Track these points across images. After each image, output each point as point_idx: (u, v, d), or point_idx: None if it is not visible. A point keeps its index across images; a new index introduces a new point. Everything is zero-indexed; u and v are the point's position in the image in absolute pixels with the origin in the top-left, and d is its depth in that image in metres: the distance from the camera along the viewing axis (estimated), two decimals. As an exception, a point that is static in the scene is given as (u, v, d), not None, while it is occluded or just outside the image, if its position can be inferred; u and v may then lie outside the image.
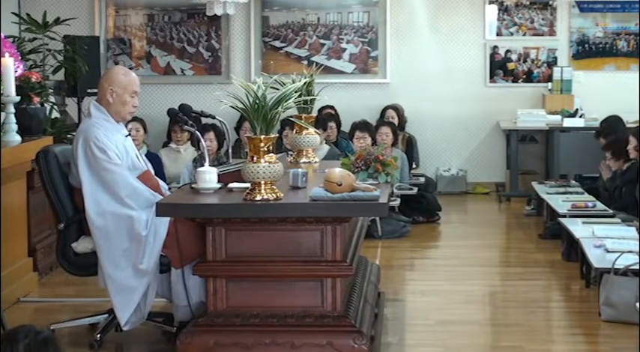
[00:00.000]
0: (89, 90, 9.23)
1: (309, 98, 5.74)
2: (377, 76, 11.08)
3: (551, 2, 11.05)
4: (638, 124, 9.84)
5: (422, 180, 9.55)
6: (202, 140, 5.50)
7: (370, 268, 5.99)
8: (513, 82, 11.15)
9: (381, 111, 10.55)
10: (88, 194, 5.09)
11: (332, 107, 10.30)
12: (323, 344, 4.47)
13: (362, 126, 9.02)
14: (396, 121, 10.11)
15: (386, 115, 10.37)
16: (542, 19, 11.07)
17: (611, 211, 7.68)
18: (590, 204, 7.88)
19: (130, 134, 5.46)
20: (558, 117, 10.44)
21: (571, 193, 8.55)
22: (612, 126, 9.22)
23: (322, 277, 4.56)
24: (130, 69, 6.77)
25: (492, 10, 11.06)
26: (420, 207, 9.22)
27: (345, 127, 10.21)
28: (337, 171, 4.55)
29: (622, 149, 8.17)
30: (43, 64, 8.41)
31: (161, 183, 5.57)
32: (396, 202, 8.65)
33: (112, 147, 5.15)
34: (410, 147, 10.27)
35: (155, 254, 5.02)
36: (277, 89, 4.57)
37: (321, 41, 11.09)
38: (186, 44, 11.11)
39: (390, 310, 6.04)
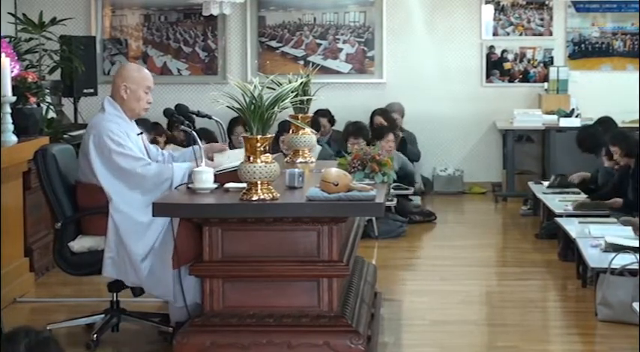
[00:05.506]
0: (85, 91, 9.24)
1: (305, 98, 5.74)
2: (373, 76, 11.07)
3: (547, 2, 11.05)
4: (638, 124, 9.87)
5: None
6: (199, 140, 5.49)
7: (367, 268, 5.99)
8: (509, 81, 11.15)
9: (370, 116, 10.29)
10: (109, 188, 5.07)
11: (327, 111, 10.20)
12: (320, 344, 4.47)
13: (356, 132, 8.92)
14: None
15: (374, 122, 10.12)
16: (539, 19, 11.07)
17: (607, 211, 7.68)
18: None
19: (142, 132, 5.46)
20: (554, 117, 10.45)
21: (567, 193, 8.54)
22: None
23: (319, 277, 4.56)
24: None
25: (488, 10, 11.06)
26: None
27: (340, 126, 10.19)
28: (334, 171, 4.55)
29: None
30: (40, 64, 8.39)
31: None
32: (393, 202, 8.65)
33: (126, 139, 5.16)
34: (403, 147, 10.19)
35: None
36: (274, 89, 4.57)
37: (318, 41, 11.09)
38: (182, 44, 11.10)
39: (387, 310, 6.04)
